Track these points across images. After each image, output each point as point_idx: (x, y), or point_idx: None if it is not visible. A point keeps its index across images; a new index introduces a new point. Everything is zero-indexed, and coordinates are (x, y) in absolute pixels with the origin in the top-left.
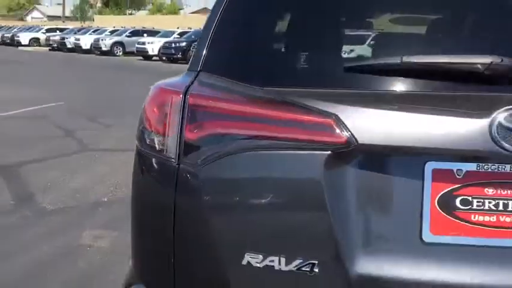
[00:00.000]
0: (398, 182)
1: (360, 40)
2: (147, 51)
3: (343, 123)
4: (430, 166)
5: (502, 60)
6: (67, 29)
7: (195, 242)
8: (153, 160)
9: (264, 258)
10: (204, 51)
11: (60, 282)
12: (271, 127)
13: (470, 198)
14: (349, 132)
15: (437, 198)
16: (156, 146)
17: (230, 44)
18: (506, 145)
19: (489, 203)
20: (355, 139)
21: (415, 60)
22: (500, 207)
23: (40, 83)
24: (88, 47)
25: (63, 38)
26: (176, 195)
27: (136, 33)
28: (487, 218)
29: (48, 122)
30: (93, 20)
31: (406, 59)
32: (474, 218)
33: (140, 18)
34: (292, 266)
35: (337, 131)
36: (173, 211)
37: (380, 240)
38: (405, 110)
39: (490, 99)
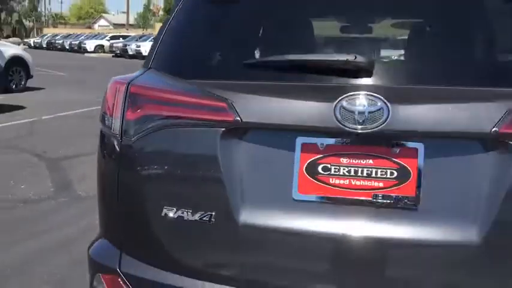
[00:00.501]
0: (275, 152)
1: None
2: None
3: (233, 106)
4: (299, 140)
5: (355, 57)
6: (129, 36)
7: (131, 200)
8: (108, 137)
9: (176, 211)
10: (154, 53)
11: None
12: (185, 109)
13: (329, 165)
14: (236, 113)
15: (305, 166)
16: (109, 125)
17: (170, 48)
18: (347, 124)
19: (343, 169)
20: (240, 118)
21: (288, 58)
22: (352, 173)
23: (99, 87)
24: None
25: (125, 45)
26: (119, 163)
27: None
28: (341, 181)
29: (96, 121)
30: (154, 28)
31: (280, 57)
32: (332, 181)
33: None
34: (196, 217)
35: (228, 112)
36: (117, 176)
37: (261, 198)
38: (280, 96)
39: (339, 88)
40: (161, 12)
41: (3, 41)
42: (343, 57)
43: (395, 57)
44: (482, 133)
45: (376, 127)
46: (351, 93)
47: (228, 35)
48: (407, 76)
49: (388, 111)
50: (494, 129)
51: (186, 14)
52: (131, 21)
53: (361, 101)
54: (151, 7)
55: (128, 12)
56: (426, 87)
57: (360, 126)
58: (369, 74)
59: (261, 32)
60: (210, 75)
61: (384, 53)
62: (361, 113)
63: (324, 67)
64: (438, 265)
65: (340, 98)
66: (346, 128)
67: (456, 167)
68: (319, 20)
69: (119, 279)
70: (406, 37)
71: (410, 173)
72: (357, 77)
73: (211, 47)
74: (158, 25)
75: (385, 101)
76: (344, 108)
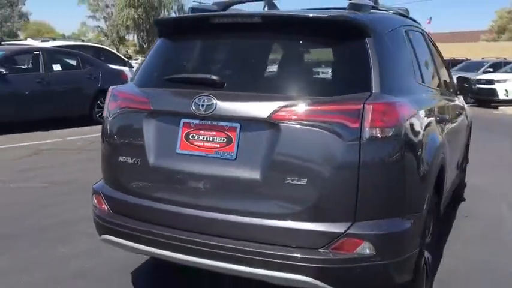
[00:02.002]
0: (170, 127)
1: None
2: None
3: (151, 101)
4: (182, 120)
5: (210, 76)
6: None
7: (107, 153)
8: (104, 119)
9: (124, 158)
10: (135, 73)
11: None
12: (130, 103)
13: (195, 135)
14: (150, 104)
15: (184, 134)
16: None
17: (140, 70)
18: (196, 111)
19: (201, 137)
20: (152, 107)
21: (178, 76)
22: (204, 139)
23: None
24: None
25: None
26: (104, 133)
27: None
28: (200, 143)
29: None
30: None
31: (175, 76)
32: (195, 143)
33: None
34: (132, 161)
35: (148, 104)
36: (103, 140)
37: (161, 152)
38: (172, 96)
39: (196, 92)
40: None
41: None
42: (206, 76)
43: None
44: (266, 118)
45: (211, 113)
46: (198, 95)
47: (159, 62)
48: (236, 85)
49: (216, 104)
50: (271, 116)
51: (152, 50)
52: None
53: (203, 99)
54: None
55: None
56: (239, 92)
57: (203, 113)
58: (215, 85)
59: (176, 61)
60: (149, 84)
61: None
62: (202, 105)
63: (196, 80)
64: (242, 189)
65: (194, 97)
66: (197, 113)
67: (255, 137)
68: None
69: (100, 197)
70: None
71: (232, 139)
72: (209, 86)
73: (154, 69)
74: None
75: (215, 99)
76: (196, 102)
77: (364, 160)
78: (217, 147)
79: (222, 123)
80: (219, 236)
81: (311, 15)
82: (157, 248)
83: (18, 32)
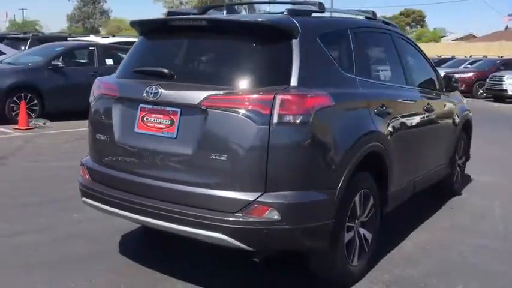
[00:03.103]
0: (131, 111)
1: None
2: None
3: (118, 89)
4: (140, 106)
5: (161, 69)
6: None
7: (90, 132)
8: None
9: (99, 135)
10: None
11: None
12: (106, 90)
13: (148, 117)
14: (118, 92)
15: (140, 117)
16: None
17: (122, 61)
18: (148, 98)
19: (153, 119)
20: (118, 94)
21: (139, 68)
22: (155, 121)
23: None
24: None
25: None
26: (89, 115)
27: None
28: (152, 124)
29: None
30: None
31: (136, 68)
32: (149, 124)
33: None
34: (104, 138)
35: (116, 91)
36: (88, 121)
37: (124, 131)
38: (134, 84)
39: (149, 82)
40: None
41: None
42: (158, 69)
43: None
44: (197, 104)
45: (157, 99)
46: (149, 85)
47: (133, 57)
48: (182, 77)
49: (161, 93)
50: (202, 103)
51: (132, 47)
52: None
53: (151, 88)
54: None
55: None
56: (180, 83)
57: (152, 99)
58: (165, 76)
59: (144, 56)
60: (123, 76)
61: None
62: (151, 93)
63: (152, 72)
64: (179, 163)
65: (146, 86)
66: (147, 100)
67: (191, 120)
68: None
69: (84, 168)
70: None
71: (174, 122)
72: (161, 77)
73: (128, 63)
74: None
75: (161, 88)
76: (147, 90)
77: (272, 142)
78: (163, 128)
79: (167, 108)
80: (161, 200)
81: (243, 20)
82: (120, 209)
83: (100, 28)
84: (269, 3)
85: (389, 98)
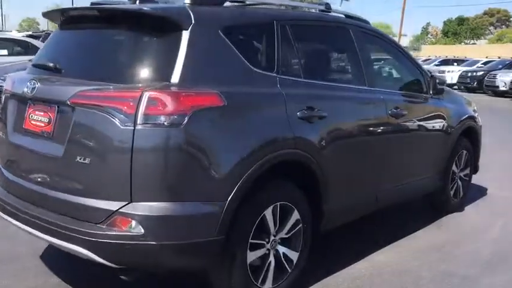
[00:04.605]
0: (22, 107)
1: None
2: (445, 80)
3: (11, 82)
4: (29, 102)
5: (52, 63)
6: None
7: None
8: None
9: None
10: None
11: None
12: (9, 87)
13: (34, 115)
14: (11, 86)
15: (29, 114)
16: None
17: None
18: (27, 94)
19: (36, 117)
20: (11, 89)
21: (34, 63)
22: (36, 118)
23: None
24: None
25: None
26: None
27: (446, 62)
28: (35, 122)
29: None
30: (419, 50)
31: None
32: (33, 122)
33: (473, 48)
34: (3, 138)
35: (10, 86)
36: None
37: (15, 127)
38: (23, 79)
39: (36, 76)
40: (440, 34)
41: None
42: (46, 63)
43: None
44: (66, 101)
45: (33, 94)
46: (30, 80)
47: (40, 50)
48: (69, 71)
49: (37, 88)
50: (70, 100)
51: None
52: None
53: (31, 82)
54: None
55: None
56: (64, 77)
57: (29, 95)
58: (53, 70)
59: (47, 49)
60: (29, 71)
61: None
62: (30, 88)
63: (41, 66)
64: (52, 165)
65: (27, 81)
66: (27, 95)
67: (64, 118)
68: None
69: None
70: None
71: (51, 120)
72: (51, 71)
73: (37, 56)
74: (426, 47)
75: (38, 83)
76: (27, 85)
77: (137, 145)
78: (43, 126)
79: (46, 105)
80: (38, 207)
81: (127, 8)
82: (11, 218)
83: None
84: None
85: (326, 99)
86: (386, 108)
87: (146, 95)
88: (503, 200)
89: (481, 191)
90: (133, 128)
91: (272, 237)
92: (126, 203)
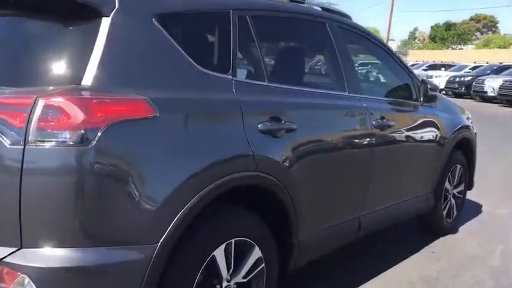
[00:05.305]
0: None
1: None
2: (438, 86)
3: None
4: None
5: None
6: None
7: None
8: None
9: None
10: None
11: None
12: None
13: None
14: None
15: None
16: None
17: None
18: None
19: None
20: None
21: None
22: None
23: None
24: None
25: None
26: None
27: (434, 67)
28: None
29: None
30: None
31: None
32: None
33: (461, 53)
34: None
35: None
36: None
37: None
38: None
39: None
40: (427, 40)
41: None
42: None
43: None
44: None
45: None
46: None
47: None
48: None
49: None
50: None
51: None
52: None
53: None
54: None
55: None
56: None
57: None
58: None
59: None
60: None
61: None
62: None
63: None
64: None
65: None
66: None
67: None
68: None
69: None
70: None
71: None
72: None
73: None
74: (413, 52)
75: None
76: None
77: (27, 170)
78: None
79: None
80: None
81: None
82: None
83: None
84: None
85: (296, 108)
86: (370, 119)
87: (41, 103)
88: (500, 219)
89: (475, 208)
90: (23, 147)
91: (225, 283)
92: (15, 249)
